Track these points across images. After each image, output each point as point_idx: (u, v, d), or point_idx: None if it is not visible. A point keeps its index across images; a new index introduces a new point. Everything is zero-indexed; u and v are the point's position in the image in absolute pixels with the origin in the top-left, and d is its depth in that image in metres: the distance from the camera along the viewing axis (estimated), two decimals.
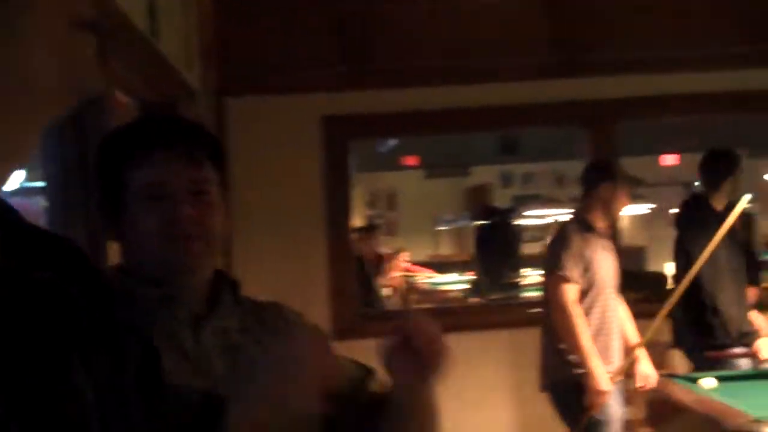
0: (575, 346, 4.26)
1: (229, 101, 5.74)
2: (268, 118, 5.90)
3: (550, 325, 4.43)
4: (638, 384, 4.42)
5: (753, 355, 4.21)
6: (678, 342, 4.79)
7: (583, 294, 4.36)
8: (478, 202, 8.35)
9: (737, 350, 4.29)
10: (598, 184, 4.49)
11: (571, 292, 4.32)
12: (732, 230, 4.66)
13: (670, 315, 4.73)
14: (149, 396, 1.00)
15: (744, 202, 4.47)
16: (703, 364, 4.52)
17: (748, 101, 6.37)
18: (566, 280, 4.32)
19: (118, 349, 0.94)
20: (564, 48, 6.09)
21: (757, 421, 3.16)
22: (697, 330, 4.60)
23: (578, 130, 6.54)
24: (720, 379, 4.11)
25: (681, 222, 4.96)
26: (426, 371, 1.50)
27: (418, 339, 1.47)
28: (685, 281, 4.52)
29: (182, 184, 1.55)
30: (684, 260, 4.66)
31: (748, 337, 4.29)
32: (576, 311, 4.29)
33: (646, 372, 4.46)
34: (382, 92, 6.04)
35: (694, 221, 4.70)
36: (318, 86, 5.94)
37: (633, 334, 4.60)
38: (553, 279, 4.38)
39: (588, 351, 4.24)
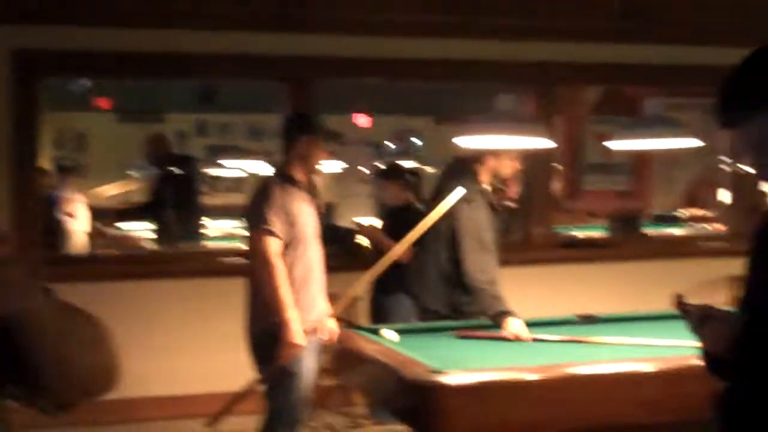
0: (275, 299, 4.31)
1: None
2: None
3: (255, 277, 4.46)
4: (323, 337, 4.53)
5: (501, 335, 4.29)
6: (426, 303, 4.87)
7: (287, 247, 4.40)
8: (157, 149, 8.19)
9: (488, 332, 4.39)
10: (298, 137, 4.53)
11: (274, 245, 4.35)
12: (496, 213, 4.81)
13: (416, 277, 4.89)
14: None
15: (457, 194, 4.55)
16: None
17: (435, 69, 6.65)
18: (269, 233, 4.35)
19: None
20: (267, 2, 6.09)
21: (434, 371, 3.33)
22: (452, 306, 4.72)
23: (277, 84, 6.59)
24: (401, 331, 4.31)
25: (445, 187, 4.86)
26: None
27: None
28: (396, 250, 4.69)
29: None
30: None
31: (501, 316, 4.41)
32: (278, 265, 4.34)
33: (330, 326, 4.58)
34: (78, 29, 5.81)
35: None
36: (8, 17, 5.61)
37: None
38: (257, 233, 4.40)
39: (286, 304, 4.30)
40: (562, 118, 8.02)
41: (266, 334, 4.37)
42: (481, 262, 4.58)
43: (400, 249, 4.70)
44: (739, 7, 6.72)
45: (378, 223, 6.63)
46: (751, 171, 1.86)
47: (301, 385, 4.45)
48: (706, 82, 7.51)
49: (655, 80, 7.13)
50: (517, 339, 4.22)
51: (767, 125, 1.82)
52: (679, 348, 3.71)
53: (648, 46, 6.84)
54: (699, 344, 2.05)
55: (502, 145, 4.63)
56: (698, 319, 1.93)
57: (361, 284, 4.96)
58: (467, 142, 4.60)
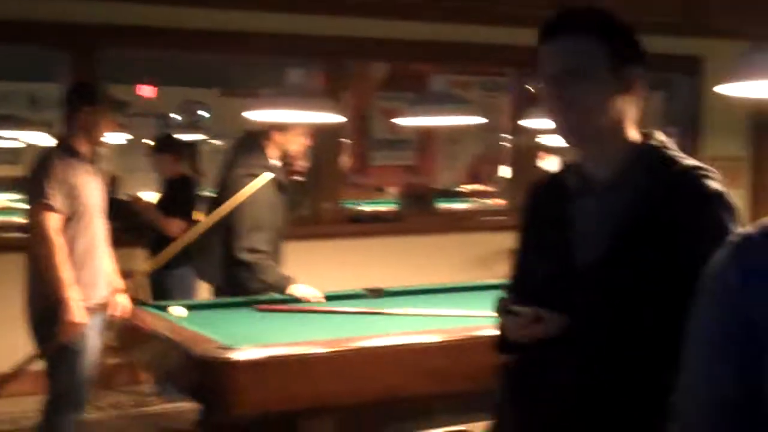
0: (53, 276, 4.17)
1: None
2: None
3: (34, 253, 4.29)
4: (113, 312, 4.42)
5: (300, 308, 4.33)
6: (213, 280, 4.83)
7: (69, 221, 4.25)
8: None
9: (287, 305, 4.38)
10: (81, 107, 4.38)
11: (53, 220, 4.20)
12: (284, 190, 4.78)
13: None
14: None
15: (263, 179, 4.54)
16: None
17: (223, 41, 6.59)
18: (49, 208, 4.20)
19: None
20: None
21: (223, 347, 3.31)
22: (237, 282, 4.65)
23: (56, 52, 6.36)
24: (193, 307, 4.25)
25: (234, 162, 4.82)
26: None
27: None
28: (187, 236, 4.63)
29: None
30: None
31: (283, 282, 4.45)
32: (58, 241, 4.19)
33: (121, 301, 4.48)
34: None
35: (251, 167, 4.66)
36: None
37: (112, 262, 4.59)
38: (36, 207, 4.23)
39: (65, 281, 4.17)
40: (350, 94, 8.10)
41: (47, 311, 4.22)
42: (251, 240, 4.56)
43: (199, 229, 4.65)
44: None
45: (156, 197, 6.53)
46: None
47: (85, 364, 4.33)
48: (490, 60, 7.78)
49: (441, 57, 7.29)
50: (307, 300, 4.38)
51: (588, 49, 1.87)
52: (467, 318, 3.86)
53: (435, 24, 6.99)
54: (503, 335, 2.08)
55: (291, 120, 4.63)
56: (528, 322, 1.95)
57: (157, 262, 4.90)
58: (256, 115, 4.58)
